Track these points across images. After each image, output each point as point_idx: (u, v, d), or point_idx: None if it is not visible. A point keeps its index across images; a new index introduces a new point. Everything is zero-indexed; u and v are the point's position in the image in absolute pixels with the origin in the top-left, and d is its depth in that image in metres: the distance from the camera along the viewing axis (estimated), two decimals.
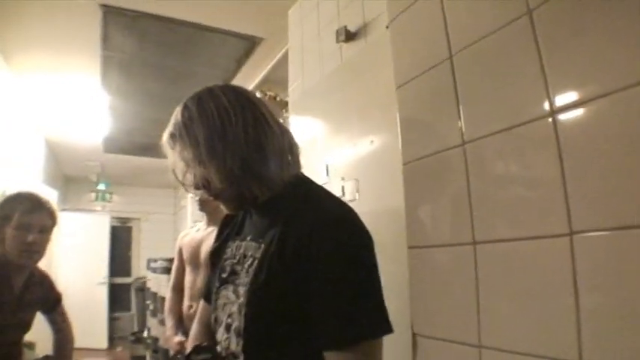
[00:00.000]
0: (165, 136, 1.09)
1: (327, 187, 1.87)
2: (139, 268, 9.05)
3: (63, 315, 2.46)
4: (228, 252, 1.20)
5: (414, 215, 1.41)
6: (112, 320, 8.42)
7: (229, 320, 1.09)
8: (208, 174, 1.03)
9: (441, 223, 1.32)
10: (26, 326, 2.19)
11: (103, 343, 7.82)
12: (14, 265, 2.01)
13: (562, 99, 1.01)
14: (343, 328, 0.95)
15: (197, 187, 1.08)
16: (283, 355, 1.03)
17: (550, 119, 1.02)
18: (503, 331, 1.12)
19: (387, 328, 0.98)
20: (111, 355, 7.53)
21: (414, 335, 1.37)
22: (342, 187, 1.84)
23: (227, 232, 1.29)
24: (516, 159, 1.13)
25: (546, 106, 1.03)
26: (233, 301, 1.10)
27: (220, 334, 1.13)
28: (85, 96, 4.66)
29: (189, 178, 1.07)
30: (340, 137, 1.97)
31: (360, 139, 1.80)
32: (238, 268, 1.13)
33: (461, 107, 1.27)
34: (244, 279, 1.08)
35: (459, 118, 1.27)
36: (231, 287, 1.13)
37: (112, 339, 8.24)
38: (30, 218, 2.00)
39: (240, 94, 1.11)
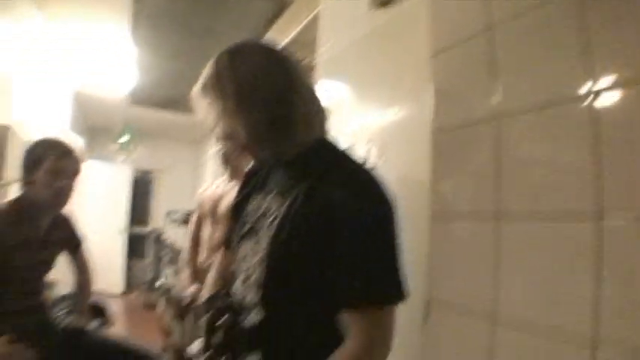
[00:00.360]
0: (198, 86, 1.12)
1: (350, 151, 1.91)
2: (157, 219, 9.23)
3: (84, 256, 2.57)
4: (251, 206, 1.23)
5: (440, 184, 1.41)
6: (128, 268, 8.66)
7: (248, 272, 1.13)
8: (235, 127, 1.07)
9: (466, 194, 1.31)
10: (49, 265, 2.30)
11: (118, 288, 8.07)
12: (41, 207, 2.10)
13: (604, 81, 0.98)
14: (362, 292, 1.00)
15: (225, 138, 1.12)
16: (300, 309, 1.08)
17: (589, 100, 1.00)
18: (519, 303, 1.12)
19: (404, 295, 1.03)
20: (126, 299, 7.76)
21: (427, 303, 1.39)
22: (366, 152, 1.85)
23: (250, 186, 1.32)
24: (550, 138, 1.11)
25: (587, 86, 1.01)
26: (253, 254, 1.14)
27: (238, 286, 1.17)
28: (113, 48, 4.69)
29: (219, 129, 1.11)
30: (367, 102, 1.98)
31: (387, 106, 1.80)
32: (261, 222, 1.16)
33: (497, 80, 1.25)
34: (266, 233, 1.11)
35: (495, 91, 1.25)
36: (252, 241, 1.16)
37: (128, 285, 8.49)
38: (61, 163, 2.07)
39: (273, 52, 1.13)
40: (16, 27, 3.34)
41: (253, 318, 1.03)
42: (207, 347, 1.05)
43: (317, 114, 1.15)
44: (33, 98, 4.02)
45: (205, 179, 6.53)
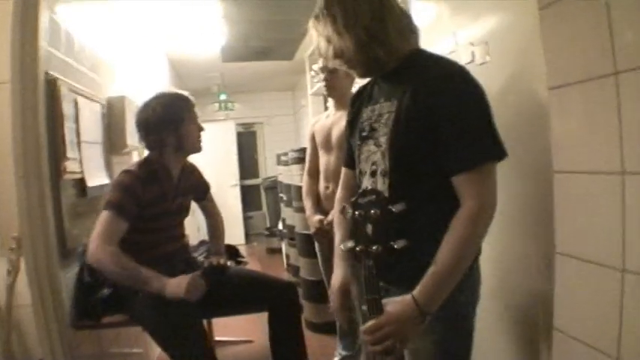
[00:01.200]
0: (311, 19, 1.43)
1: (455, 53, 1.90)
2: (265, 169, 9.63)
3: (212, 202, 2.77)
4: (364, 116, 1.49)
5: (553, 54, 1.37)
6: (246, 219, 9.15)
7: (374, 167, 1.41)
8: (344, 43, 1.36)
9: (583, 55, 1.26)
10: (185, 210, 2.50)
11: (240, 239, 8.59)
12: (171, 161, 2.29)
13: None
14: (470, 152, 1.24)
15: (335, 57, 1.42)
16: (420, 186, 1.32)
17: None
18: None
19: (504, 153, 1.26)
20: (248, 248, 8.24)
21: (555, 172, 1.39)
22: (472, 52, 1.81)
23: (358, 103, 1.57)
24: None
25: None
26: (375, 151, 1.41)
27: (366, 182, 1.44)
28: (200, 9, 4.77)
29: (330, 51, 1.41)
30: (467, 9, 1.92)
31: (487, 6, 1.75)
32: (376, 125, 1.41)
33: None
34: (384, 130, 1.38)
35: None
36: (371, 141, 1.43)
37: (248, 236, 9.01)
38: (194, 112, 2.34)
39: None
40: (112, 8, 3.52)
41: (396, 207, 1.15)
42: (358, 241, 1.16)
43: (408, 28, 1.42)
44: (136, 69, 4.26)
45: (308, 119, 6.65)
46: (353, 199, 1.16)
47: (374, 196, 1.14)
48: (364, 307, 1.20)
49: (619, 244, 1.15)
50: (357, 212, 1.14)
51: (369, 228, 1.13)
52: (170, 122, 2.23)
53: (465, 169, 1.25)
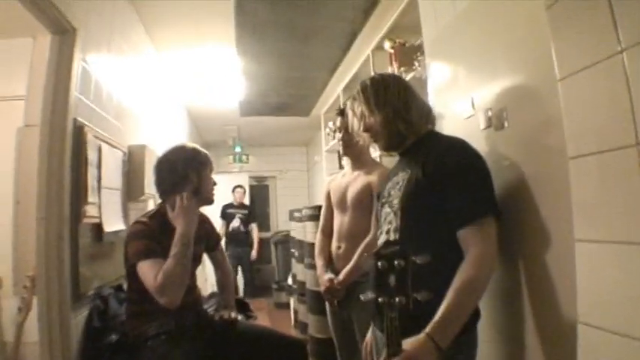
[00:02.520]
0: (349, 100, 1.78)
1: (472, 119, 1.94)
2: (277, 223, 9.61)
3: (222, 253, 2.77)
4: (387, 187, 1.77)
5: (574, 124, 1.37)
6: (254, 272, 9.03)
7: (389, 226, 1.64)
8: (374, 120, 1.72)
9: (604, 125, 1.26)
10: (198, 259, 2.50)
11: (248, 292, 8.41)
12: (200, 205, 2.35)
13: None
14: (471, 208, 1.47)
15: (365, 130, 1.75)
16: (424, 243, 1.39)
17: None
18: None
19: (499, 212, 1.51)
20: (256, 301, 8.10)
21: (576, 241, 1.36)
22: (489, 118, 1.83)
23: (388, 180, 1.82)
24: None
25: None
26: (389, 212, 1.66)
27: (382, 237, 1.68)
28: (221, 64, 4.95)
29: (361, 126, 1.76)
30: (483, 70, 1.95)
31: (504, 70, 1.78)
32: (392, 191, 1.69)
33: (616, 14, 1.19)
34: (397, 194, 1.64)
35: (615, 26, 1.19)
36: (387, 205, 1.70)
37: (255, 289, 8.87)
38: (212, 165, 2.42)
39: (398, 77, 1.86)
40: (138, 62, 3.67)
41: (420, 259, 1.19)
42: (380, 292, 1.17)
43: (427, 113, 1.77)
44: (156, 119, 4.37)
45: (321, 176, 6.69)
46: (376, 250, 1.18)
47: (397, 247, 1.16)
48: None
49: None
50: (379, 263, 1.16)
51: (392, 279, 1.15)
52: (196, 161, 2.31)
53: (468, 222, 1.46)
